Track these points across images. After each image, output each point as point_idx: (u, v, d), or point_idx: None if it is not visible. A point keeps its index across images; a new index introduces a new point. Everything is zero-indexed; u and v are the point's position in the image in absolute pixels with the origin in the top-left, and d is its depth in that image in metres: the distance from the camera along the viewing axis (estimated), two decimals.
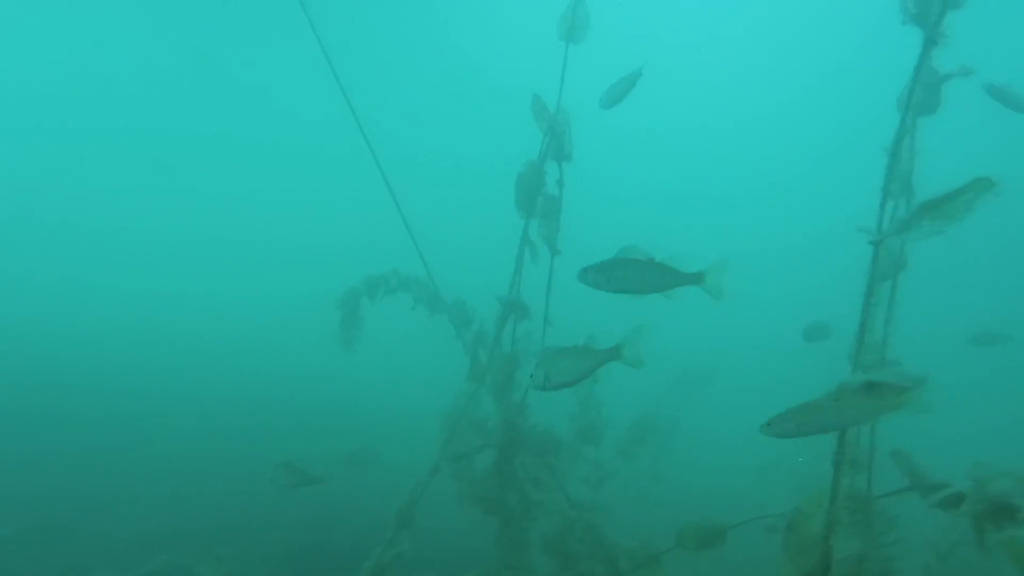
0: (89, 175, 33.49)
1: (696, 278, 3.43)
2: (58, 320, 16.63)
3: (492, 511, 5.33)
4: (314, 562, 7.36)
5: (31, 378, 11.61)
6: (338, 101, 6.13)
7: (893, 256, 3.36)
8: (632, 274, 3.43)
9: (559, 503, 5.31)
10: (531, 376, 3.70)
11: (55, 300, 19.09)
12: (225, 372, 14.13)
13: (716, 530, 4.03)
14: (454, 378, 5.51)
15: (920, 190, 3.62)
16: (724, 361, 11.03)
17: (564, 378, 3.60)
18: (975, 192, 2.32)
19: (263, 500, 8.41)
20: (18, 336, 14.26)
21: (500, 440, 5.10)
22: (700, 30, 31.53)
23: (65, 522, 7.42)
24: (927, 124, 3.85)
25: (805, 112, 33.03)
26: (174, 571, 6.49)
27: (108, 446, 9.56)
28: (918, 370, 3.38)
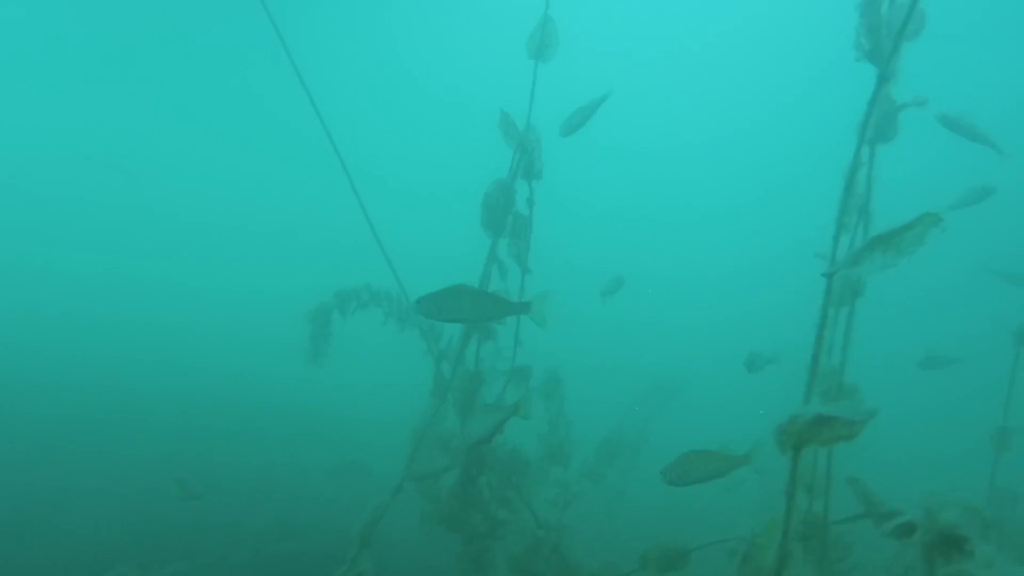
0: (57, 176, 32.88)
1: (523, 307, 3.73)
2: (20, 311, 16.20)
3: (455, 530, 5.28)
4: (282, 572, 7.21)
5: None
6: (310, 114, 6.07)
7: (850, 283, 3.40)
8: (465, 303, 3.68)
9: (525, 523, 5.28)
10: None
11: (14, 290, 18.60)
12: (204, 372, 13.93)
13: (679, 552, 4.04)
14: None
15: (879, 216, 3.69)
16: (692, 376, 11.10)
17: (477, 436, 3.88)
18: (924, 226, 2.35)
19: (234, 504, 8.27)
20: None
21: (464, 459, 5.06)
22: (671, 48, 31.97)
23: (20, 521, 7.16)
24: (889, 149, 3.93)
25: (780, 122, 33.51)
26: None
27: (70, 442, 9.30)
28: (871, 400, 3.43)
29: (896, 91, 3.50)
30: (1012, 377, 4.35)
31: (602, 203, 34.95)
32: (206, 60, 28.80)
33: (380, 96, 33.79)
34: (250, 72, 27.87)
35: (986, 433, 4.70)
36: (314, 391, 12.49)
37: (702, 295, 27.12)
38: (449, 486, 5.17)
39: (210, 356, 15.42)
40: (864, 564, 3.50)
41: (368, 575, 5.11)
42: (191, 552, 7.04)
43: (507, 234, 4.92)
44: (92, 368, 13.03)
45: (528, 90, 5.16)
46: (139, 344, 15.43)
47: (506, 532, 5.17)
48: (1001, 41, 24.65)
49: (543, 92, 5.28)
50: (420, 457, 5.11)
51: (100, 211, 30.81)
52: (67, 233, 28.19)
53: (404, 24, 26.27)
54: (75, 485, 8.13)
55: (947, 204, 5.68)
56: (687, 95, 34.18)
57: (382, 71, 31.27)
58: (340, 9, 24.34)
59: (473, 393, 5.04)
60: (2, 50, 29.12)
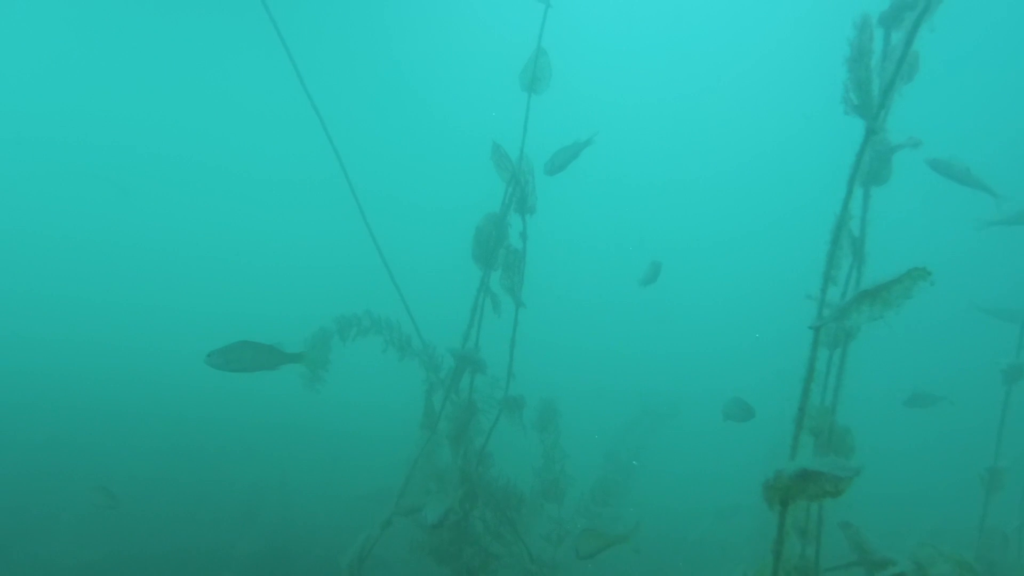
0: (50, 188, 32.78)
1: (297, 356, 4.38)
2: (5, 331, 16.08)
3: (446, 563, 5.23)
4: None
5: None
6: (319, 136, 6.04)
7: (844, 326, 3.39)
8: (246, 355, 4.23)
9: (519, 558, 5.22)
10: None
11: None
12: (193, 392, 13.77)
13: None
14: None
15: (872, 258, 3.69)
16: (685, 402, 11.03)
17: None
18: (912, 280, 2.35)
19: (221, 527, 8.17)
20: None
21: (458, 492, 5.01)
22: (664, 73, 32.13)
23: (3, 542, 7.04)
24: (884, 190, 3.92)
25: (789, 144, 33.48)
26: None
27: (55, 463, 9.19)
28: (863, 438, 3.42)
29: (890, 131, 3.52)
30: (1003, 416, 4.33)
31: (599, 228, 34.98)
32: (201, 75, 28.93)
33: (388, 118, 33.75)
34: (254, 91, 28.00)
35: (978, 468, 4.67)
36: (307, 411, 12.37)
37: (702, 319, 27.07)
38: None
39: (200, 375, 15.25)
40: None
41: None
42: None
43: (499, 267, 4.91)
44: (79, 387, 12.93)
45: (530, 116, 5.15)
46: (127, 363, 15.32)
47: (498, 567, 5.11)
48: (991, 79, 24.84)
49: (545, 120, 5.27)
50: (411, 489, 5.06)
51: (93, 228, 30.72)
52: (55, 250, 28.02)
53: (406, 40, 26.44)
54: (59, 507, 8.04)
55: (997, 220, 5.45)
56: (686, 120, 34.32)
57: (387, 94, 31.32)
58: (346, 31, 24.49)
59: (466, 424, 5.00)
60: None
